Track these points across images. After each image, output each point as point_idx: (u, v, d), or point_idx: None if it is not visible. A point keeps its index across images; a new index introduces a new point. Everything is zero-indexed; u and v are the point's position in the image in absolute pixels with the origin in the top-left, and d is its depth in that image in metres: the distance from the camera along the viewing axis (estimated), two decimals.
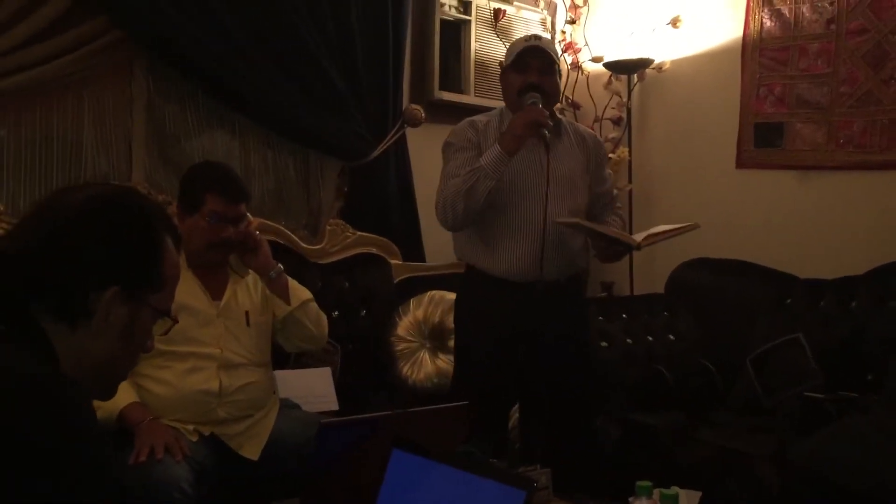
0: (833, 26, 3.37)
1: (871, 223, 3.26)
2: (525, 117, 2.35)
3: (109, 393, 1.20)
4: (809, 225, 3.44)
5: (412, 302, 3.27)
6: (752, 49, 3.62)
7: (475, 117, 2.59)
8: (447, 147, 2.53)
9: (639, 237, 2.43)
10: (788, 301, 3.28)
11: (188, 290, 2.17)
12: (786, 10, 3.51)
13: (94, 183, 1.68)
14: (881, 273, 3.08)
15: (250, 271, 2.34)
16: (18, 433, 0.94)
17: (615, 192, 2.70)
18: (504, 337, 2.48)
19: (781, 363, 3.03)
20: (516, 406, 2.74)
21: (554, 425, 2.58)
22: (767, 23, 3.57)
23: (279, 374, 2.54)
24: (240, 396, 2.22)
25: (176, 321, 1.22)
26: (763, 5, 3.58)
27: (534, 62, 2.44)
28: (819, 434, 2.50)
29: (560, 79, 2.56)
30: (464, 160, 2.42)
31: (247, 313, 2.29)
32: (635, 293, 3.81)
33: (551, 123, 2.42)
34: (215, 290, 2.28)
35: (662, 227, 2.48)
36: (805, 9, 3.45)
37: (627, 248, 2.45)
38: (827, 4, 3.38)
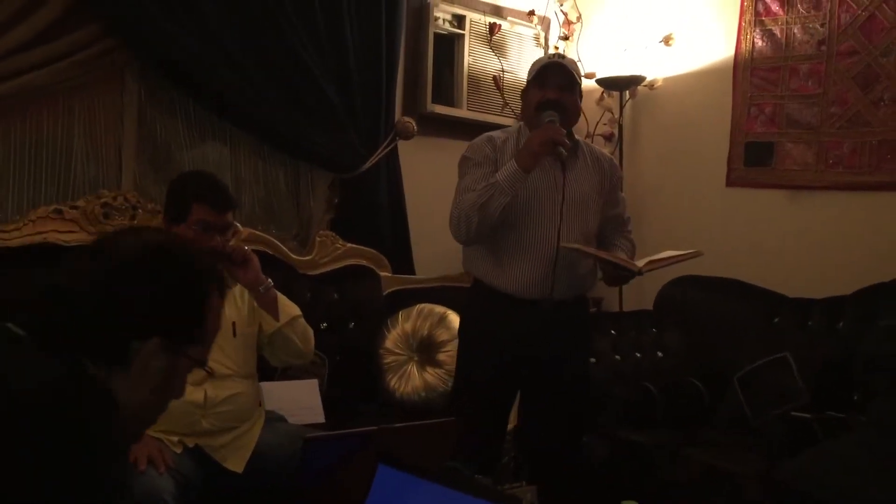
0: (824, 48, 3.39)
1: (859, 243, 3.28)
2: (542, 135, 2.34)
3: (136, 437, 1.21)
4: (798, 244, 3.46)
5: (401, 315, 3.26)
6: (744, 68, 3.64)
7: (493, 133, 2.60)
8: (464, 161, 2.54)
9: (640, 262, 2.43)
10: (776, 320, 3.28)
11: None
12: (777, 31, 3.54)
13: (150, 228, 1.69)
14: (868, 293, 3.09)
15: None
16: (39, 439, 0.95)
17: (628, 215, 2.70)
18: (507, 352, 2.49)
19: (768, 382, 3.04)
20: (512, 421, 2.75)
21: (544, 442, 2.58)
22: (759, 43, 3.59)
23: (265, 385, 2.53)
24: (225, 408, 2.20)
25: (211, 373, 1.24)
26: (755, 25, 3.60)
27: (554, 79, 2.44)
28: (806, 454, 2.50)
29: (580, 99, 2.56)
30: (480, 175, 2.43)
31: (233, 324, 2.28)
32: (624, 309, 3.81)
33: (568, 142, 2.41)
34: None
35: (666, 252, 2.49)
36: (796, 30, 3.48)
37: (631, 273, 2.45)
38: (818, 26, 3.41)
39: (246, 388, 2.28)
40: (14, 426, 0.97)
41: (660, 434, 3.02)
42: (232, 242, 2.31)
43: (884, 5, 3.22)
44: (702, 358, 3.38)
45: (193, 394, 2.15)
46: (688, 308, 3.56)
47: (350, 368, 3.17)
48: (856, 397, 2.90)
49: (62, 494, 0.97)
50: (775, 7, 3.54)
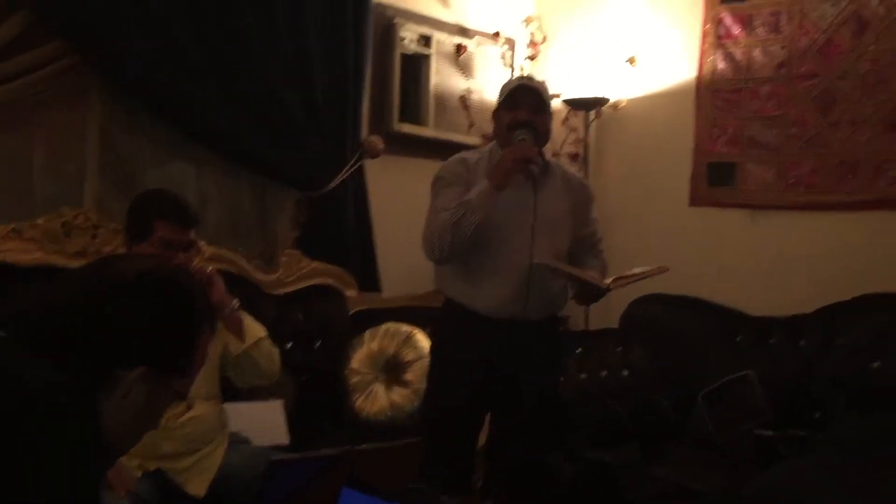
0: (783, 70, 3.46)
1: (819, 262, 3.33)
2: (514, 152, 2.38)
3: (111, 464, 1.18)
4: (760, 263, 3.51)
5: (367, 334, 3.24)
6: (706, 90, 3.70)
7: (465, 153, 2.63)
8: (437, 181, 2.55)
9: (608, 280, 2.46)
10: (738, 338, 3.32)
11: None
12: (738, 53, 3.60)
13: (145, 256, 1.66)
14: (829, 312, 3.15)
15: None
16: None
17: (600, 235, 2.72)
18: (480, 372, 2.50)
19: (732, 400, 3.07)
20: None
21: (513, 462, 2.58)
22: (720, 65, 3.66)
23: (229, 406, 2.49)
24: (186, 430, 2.17)
25: (190, 407, 1.21)
26: (716, 48, 3.67)
27: (525, 100, 2.47)
28: (770, 472, 2.53)
29: (551, 120, 2.58)
30: (453, 195, 2.45)
31: None
32: (590, 328, 3.83)
33: (540, 161, 2.45)
34: None
35: (633, 269, 2.51)
36: (757, 52, 3.55)
37: (601, 291, 2.47)
38: (778, 48, 3.48)
39: (208, 409, 2.25)
40: (21, 425, 0.95)
41: (626, 453, 3.03)
42: (195, 261, 2.28)
43: (841, 29, 3.29)
44: (667, 376, 3.41)
45: None
46: (653, 326, 3.59)
47: (316, 389, 3.14)
48: (817, 415, 2.94)
49: (61, 496, 0.95)
50: (736, 30, 3.61)
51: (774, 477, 2.47)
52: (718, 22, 3.67)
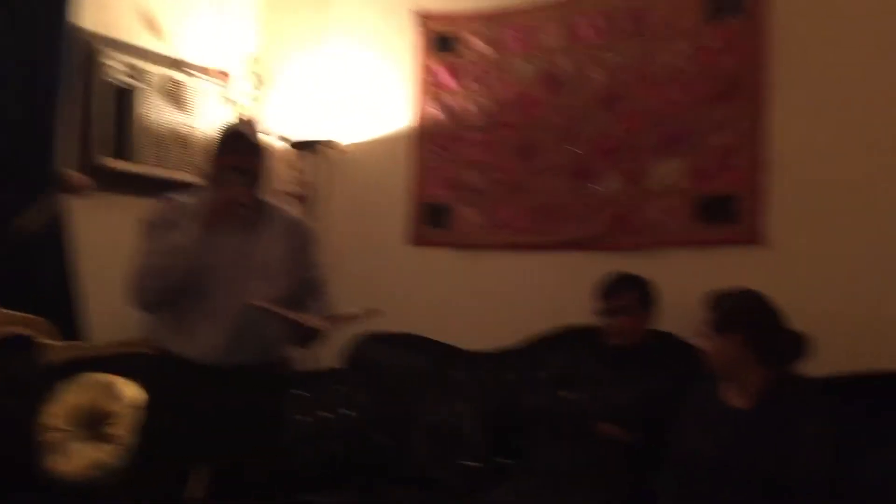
0: (490, 120, 3.70)
1: (524, 299, 3.56)
2: (224, 195, 2.35)
3: None
4: (472, 300, 3.69)
5: (65, 386, 2.97)
6: (422, 136, 3.87)
7: (175, 195, 2.52)
8: (145, 225, 2.44)
9: (322, 321, 2.46)
10: (452, 373, 3.46)
11: None
12: (450, 102, 3.81)
13: None
14: (532, 346, 3.37)
15: None
16: None
17: (324, 278, 2.70)
18: (194, 421, 2.38)
19: (446, 433, 3.18)
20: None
21: None
22: (434, 112, 3.84)
23: None
24: None
25: None
26: (430, 96, 3.85)
27: (239, 144, 2.45)
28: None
29: (264, 162, 2.54)
30: (162, 238, 2.35)
31: None
32: (313, 369, 3.80)
33: (250, 204, 2.41)
34: None
35: (349, 310, 2.53)
36: (466, 103, 3.76)
37: (317, 333, 2.46)
38: (485, 100, 3.72)
39: None
40: None
41: (344, 496, 3.03)
42: None
43: (537, 85, 3.59)
44: (389, 414, 3.46)
45: None
46: (375, 364, 3.65)
47: (3, 451, 2.82)
48: (523, 445, 3.11)
49: None
50: (447, 80, 3.82)
51: None
52: (432, 71, 3.86)
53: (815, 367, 2.44)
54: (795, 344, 2.39)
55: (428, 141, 3.86)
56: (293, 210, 2.85)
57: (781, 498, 2.17)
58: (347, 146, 4.03)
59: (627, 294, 2.92)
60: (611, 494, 2.57)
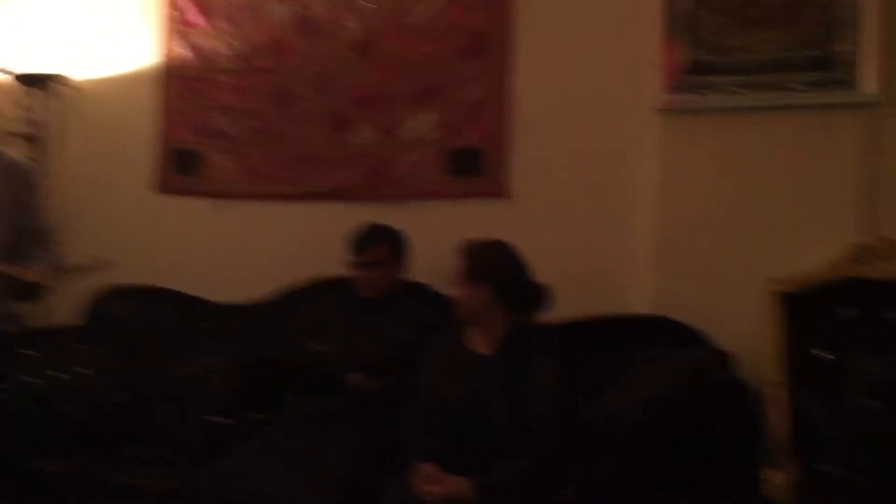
0: (243, 63, 3.53)
1: (278, 250, 3.47)
2: None
3: None
4: (223, 251, 3.54)
5: None
6: (170, 76, 3.62)
7: None
8: None
9: (38, 274, 2.29)
10: (203, 326, 3.33)
11: None
12: (200, 42, 3.59)
13: None
14: (283, 298, 3.32)
15: None
16: None
17: (50, 225, 2.45)
18: None
19: (194, 390, 3.06)
20: None
21: None
22: (182, 52, 3.61)
23: None
24: None
25: None
26: (178, 34, 3.61)
27: None
28: (220, 460, 2.56)
29: None
30: None
31: None
32: (47, 326, 3.50)
33: None
34: None
35: (77, 261, 2.34)
36: (217, 43, 3.56)
37: (40, 287, 2.25)
38: (238, 42, 3.54)
39: None
40: None
41: (81, 461, 2.83)
42: None
43: (292, 30, 3.46)
44: (132, 372, 3.26)
45: None
46: (115, 319, 3.41)
47: None
48: (273, 399, 3.06)
49: None
50: (196, 18, 3.59)
51: (224, 464, 2.51)
52: (178, 6, 3.61)
53: (551, 313, 2.61)
54: (538, 293, 2.53)
55: (176, 82, 3.63)
56: (11, 152, 2.57)
57: (522, 439, 2.30)
58: (82, 82, 3.69)
59: (380, 247, 2.93)
60: (360, 443, 2.60)
